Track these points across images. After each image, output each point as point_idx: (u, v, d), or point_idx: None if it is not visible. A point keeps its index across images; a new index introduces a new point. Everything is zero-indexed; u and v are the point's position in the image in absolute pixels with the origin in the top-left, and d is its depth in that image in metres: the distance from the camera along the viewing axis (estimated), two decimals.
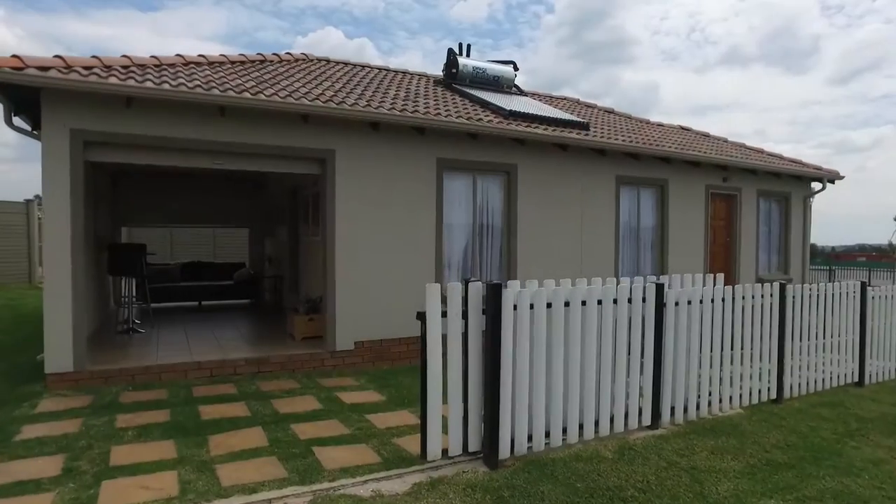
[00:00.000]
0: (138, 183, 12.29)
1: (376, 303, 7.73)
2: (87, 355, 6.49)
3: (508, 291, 4.34)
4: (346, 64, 10.86)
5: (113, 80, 6.06)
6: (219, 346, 7.70)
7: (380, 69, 11.20)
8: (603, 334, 4.89)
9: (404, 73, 11.43)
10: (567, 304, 4.66)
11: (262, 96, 6.72)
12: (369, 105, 7.52)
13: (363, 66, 11.04)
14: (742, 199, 12.05)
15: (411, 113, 7.70)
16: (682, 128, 13.88)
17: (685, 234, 11.11)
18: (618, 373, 5.00)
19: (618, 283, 5.02)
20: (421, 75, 11.54)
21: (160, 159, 6.72)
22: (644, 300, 5.12)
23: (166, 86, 6.27)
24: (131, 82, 6.13)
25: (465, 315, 4.31)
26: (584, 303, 4.75)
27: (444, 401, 4.27)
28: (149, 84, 6.19)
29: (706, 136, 13.57)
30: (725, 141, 13.65)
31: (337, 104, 7.18)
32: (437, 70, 11.63)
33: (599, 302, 4.85)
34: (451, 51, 11.16)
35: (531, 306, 4.46)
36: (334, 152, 7.46)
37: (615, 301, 4.96)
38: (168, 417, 5.26)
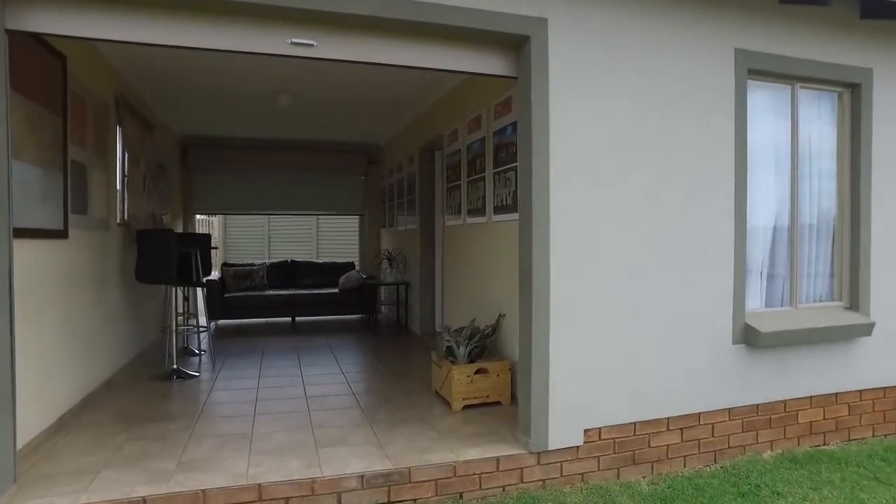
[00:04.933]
0: (211, 154, 9.03)
1: (624, 349, 3.70)
2: (13, 469, 2.89)
3: None
4: None
5: None
6: (308, 429, 3.94)
7: None
8: None
9: None
10: None
11: None
12: None
13: None
14: None
15: None
16: None
17: None
18: None
19: None
20: None
21: (167, 33, 3.00)
22: None
23: None
24: None
25: None
26: None
27: None
28: None
29: None
30: None
31: None
32: None
33: None
34: None
35: None
36: (545, 24, 3.49)
37: None
38: None
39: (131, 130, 5.72)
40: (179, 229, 8.90)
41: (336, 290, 8.86)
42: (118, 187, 5.47)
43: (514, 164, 4.50)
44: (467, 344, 4.40)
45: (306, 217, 12.87)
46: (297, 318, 9.03)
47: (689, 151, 3.83)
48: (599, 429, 3.68)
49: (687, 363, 3.87)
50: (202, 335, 6.87)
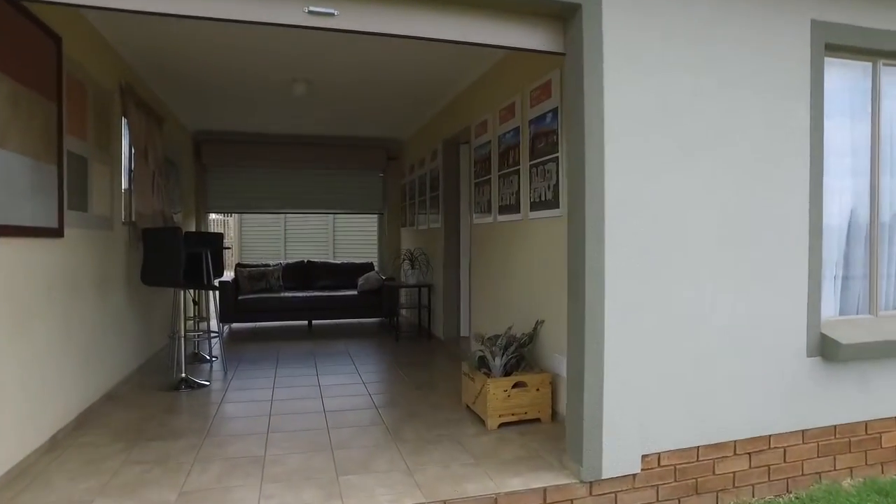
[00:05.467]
0: (225, 151, 8.69)
1: (685, 362, 3.24)
2: None
3: None
4: None
5: None
6: (327, 451, 3.52)
7: None
8: None
9: None
10: None
11: None
12: None
13: None
14: None
15: None
16: None
17: None
18: None
19: None
20: None
21: (167, 0, 2.60)
22: None
23: None
24: None
25: None
26: None
27: None
28: None
29: None
30: None
31: None
32: None
33: None
34: None
35: None
36: None
37: None
38: None
39: (138, 122, 5.34)
40: (192, 229, 8.55)
41: (355, 293, 8.45)
42: (124, 183, 5.09)
43: (555, 154, 4.05)
44: (503, 354, 3.95)
45: (322, 216, 12.50)
46: (314, 322, 8.63)
47: (758, 138, 3.36)
48: (658, 454, 3.22)
49: (755, 378, 3.39)
50: (213, 340, 6.50)
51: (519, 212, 4.62)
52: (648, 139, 3.12)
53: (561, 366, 4.00)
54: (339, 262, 9.64)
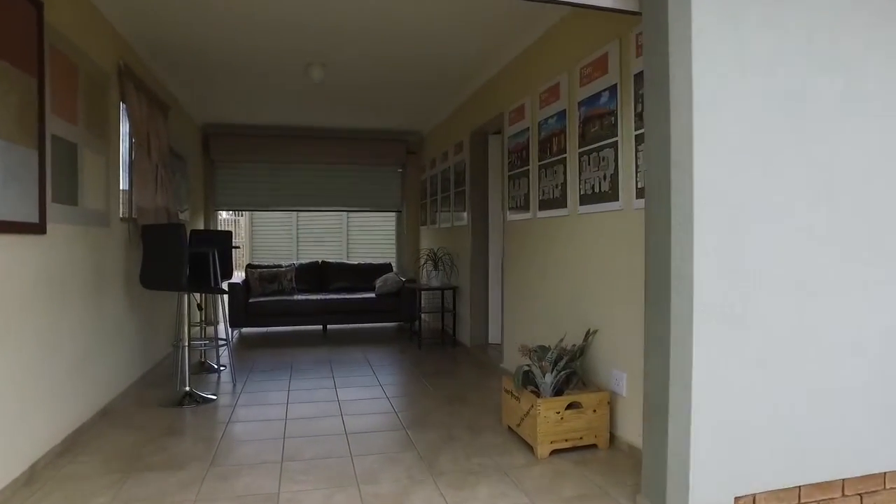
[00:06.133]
0: (235, 145, 8.21)
1: (784, 387, 2.67)
2: None
3: None
4: None
5: None
6: (353, 486, 2.99)
7: None
8: None
9: None
10: None
11: None
12: None
13: None
14: None
15: None
16: None
17: None
18: None
19: None
20: None
21: None
22: None
23: None
24: None
25: None
26: None
27: None
28: None
29: None
30: None
31: None
32: None
33: None
34: None
35: None
36: None
37: None
38: None
39: (139, 108, 4.83)
40: (200, 227, 8.06)
41: (372, 295, 7.92)
42: (123, 175, 4.60)
43: (613, 139, 3.50)
44: (553, 370, 3.40)
45: (336, 214, 11.99)
46: (329, 326, 8.11)
47: (874, 122, 2.78)
48: (754, 495, 2.66)
49: (865, 405, 2.82)
50: (221, 348, 5.99)
51: (565, 206, 4.07)
52: (747, 123, 2.56)
53: (619, 383, 3.46)
54: (355, 262, 9.11)
